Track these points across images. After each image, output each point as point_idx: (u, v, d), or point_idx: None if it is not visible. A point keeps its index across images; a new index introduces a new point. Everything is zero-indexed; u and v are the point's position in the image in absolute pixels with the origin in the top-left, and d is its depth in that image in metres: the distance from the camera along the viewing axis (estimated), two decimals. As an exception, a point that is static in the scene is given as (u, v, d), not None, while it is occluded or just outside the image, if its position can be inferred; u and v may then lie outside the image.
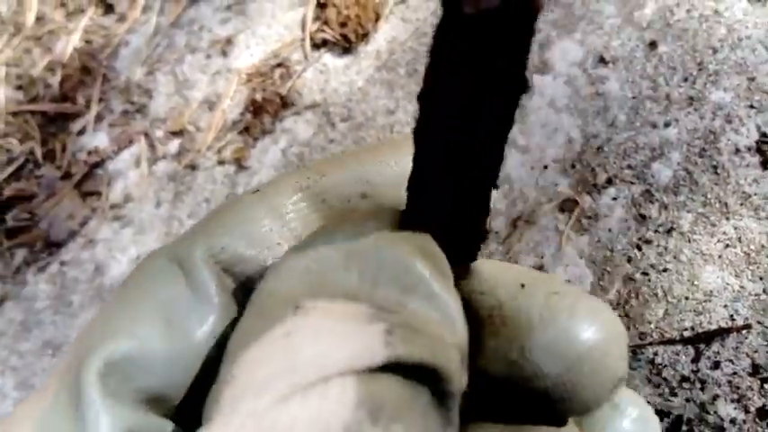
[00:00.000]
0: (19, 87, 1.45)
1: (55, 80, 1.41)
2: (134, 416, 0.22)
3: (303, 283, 0.20)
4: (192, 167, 1.21)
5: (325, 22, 1.21)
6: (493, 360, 0.22)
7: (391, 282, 0.20)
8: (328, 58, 1.20)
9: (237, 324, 0.21)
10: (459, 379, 0.19)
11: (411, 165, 0.22)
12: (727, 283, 0.81)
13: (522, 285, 0.23)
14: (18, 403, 0.24)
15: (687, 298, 0.82)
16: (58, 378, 0.23)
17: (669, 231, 0.86)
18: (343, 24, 1.18)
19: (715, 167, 0.88)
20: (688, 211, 0.86)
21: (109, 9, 1.48)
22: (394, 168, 0.26)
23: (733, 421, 0.75)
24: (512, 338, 0.22)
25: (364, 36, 1.18)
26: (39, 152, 1.35)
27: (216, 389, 0.19)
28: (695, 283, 0.82)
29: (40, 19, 1.52)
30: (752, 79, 0.92)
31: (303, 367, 0.17)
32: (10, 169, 1.35)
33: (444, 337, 0.19)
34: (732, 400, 0.76)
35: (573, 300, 0.22)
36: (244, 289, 0.24)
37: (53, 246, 1.25)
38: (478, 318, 0.23)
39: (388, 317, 0.19)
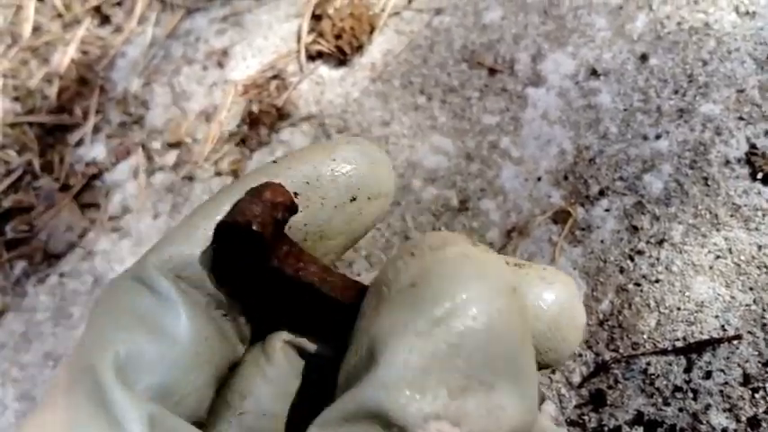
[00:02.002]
0: (16, 99, 1.45)
1: (52, 91, 1.42)
2: (150, 406, 0.25)
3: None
4: (190, 179, 1.22)
5: (321, 34, 1.22)
6: None
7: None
8: (324, 70, 1.21)
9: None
10: None
11: None
12: (719, 294, 0.82)
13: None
14: (23, 426, 0.26)
15: (679, 308, 0.83)
16: (63, 392, 0.25)
17: (661, 242, 0.87)
18: (338, 36, 1.19)
19: (705, 179, 0.89)
20: (679, 223, 0.88)
21: (105, 20, 1.49)
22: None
23: (725, 430, 0.76)
24: None
25: (359, 48, 1.19)
26: (37, 164, 1.36)
27: None
28: (687, 293, 0.83)
29: (36, 30, 1.52)
30: (741, 91, 0.93)
31: None
32: (8, 181, 1.36)
33: None
34: (724, 410, 0.77)
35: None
36: (198, 288, 0.29)
37: (52, 257, 1.26)
38: None
39: None
